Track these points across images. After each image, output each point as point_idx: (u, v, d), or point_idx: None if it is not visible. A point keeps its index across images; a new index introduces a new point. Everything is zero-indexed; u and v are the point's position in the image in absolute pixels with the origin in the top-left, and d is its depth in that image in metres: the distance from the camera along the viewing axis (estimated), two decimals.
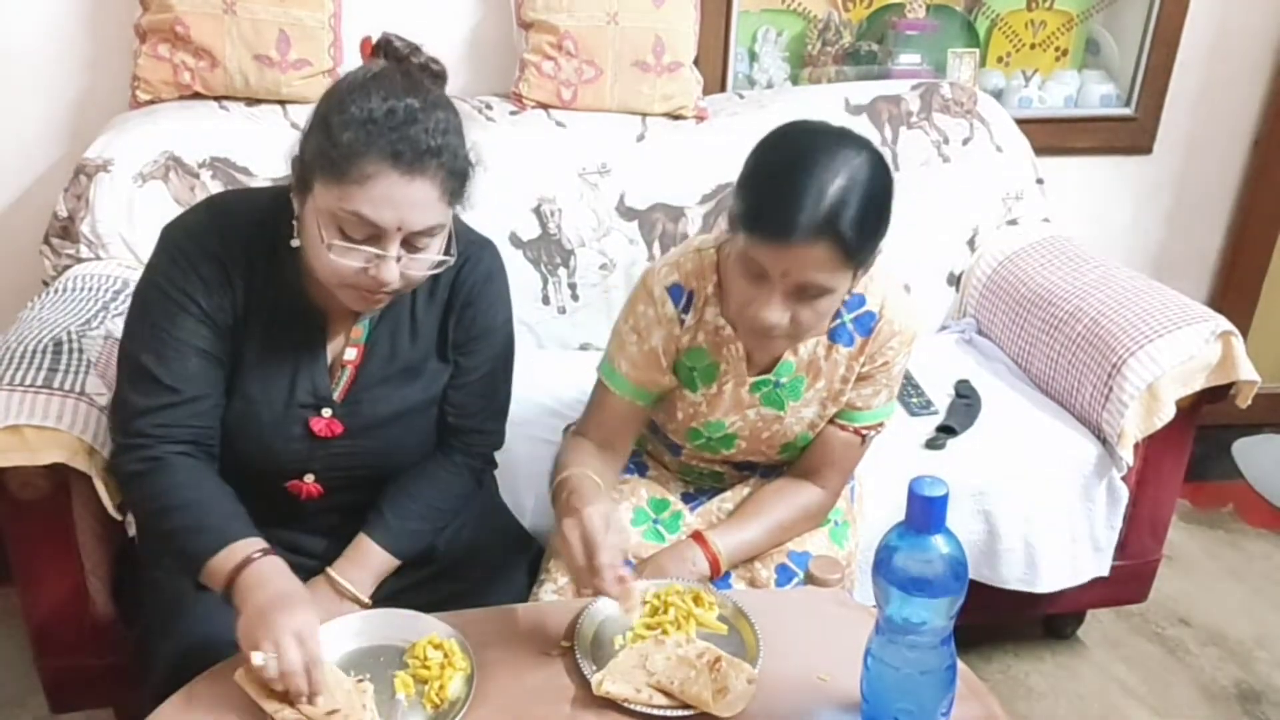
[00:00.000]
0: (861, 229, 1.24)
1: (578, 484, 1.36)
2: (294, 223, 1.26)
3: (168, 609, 1.35)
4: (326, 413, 1.36)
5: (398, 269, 1.20)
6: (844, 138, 1.28)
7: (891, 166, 2.20)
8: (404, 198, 1.17)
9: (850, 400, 1.49)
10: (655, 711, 1.13)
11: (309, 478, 1.39)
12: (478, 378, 1.44)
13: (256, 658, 1.08)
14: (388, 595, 1.40)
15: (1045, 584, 1.94)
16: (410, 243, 1.21)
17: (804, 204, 1.21)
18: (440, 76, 1.26)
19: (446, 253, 1.26)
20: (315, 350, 1.35)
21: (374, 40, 1.25)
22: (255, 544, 1.22)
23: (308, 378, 1.35)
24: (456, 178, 1.22)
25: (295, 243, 1.26)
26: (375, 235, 1.18)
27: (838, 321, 1.44)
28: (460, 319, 1.41)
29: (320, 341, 1.35)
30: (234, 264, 1.28)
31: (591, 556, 1.19)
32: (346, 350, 1.36)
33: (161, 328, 1.27)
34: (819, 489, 1.53)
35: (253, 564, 1.19)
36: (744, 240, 1.27)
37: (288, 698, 1.11)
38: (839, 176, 1.23)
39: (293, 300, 1.32)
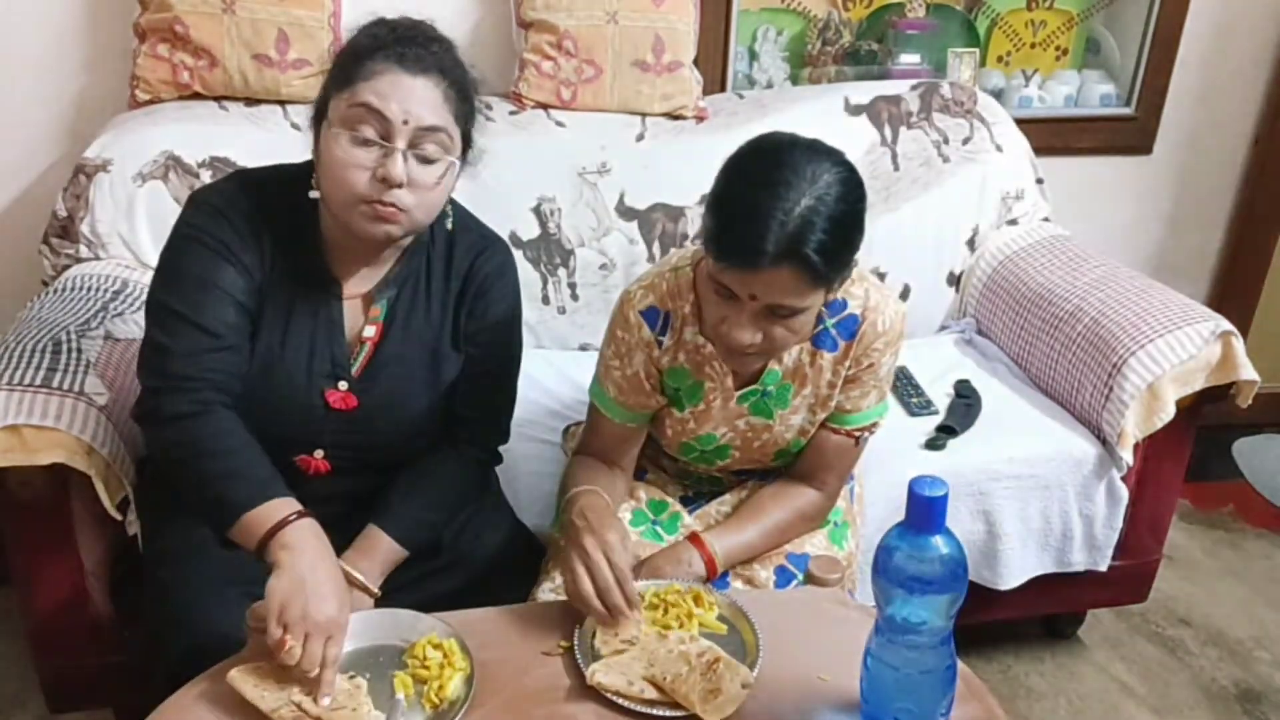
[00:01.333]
0: (827, 252, 1.22)
1: (588, 502, 1.36)
2: (313, 179, 1.31)
3: (171, 608, 1.35)
4: (343, 386, 1.38)
5: (404, 168, 1.24)
6: (812, 153, 1.25)
7: (891, 166, 2.26)
8: (409, 91, 1.24)
9: (840, 404, 1.48)
10: (650, 710, 1.14)
11: (319, 453, 1.40)
12: (486, 369, 1.46)
13: (292, 647, 1.11)
14: (393, 589, 1.40)
15: (1038, 570, 1.95)
16: (417, 146, 1.25)
17: (768, 229, 1.19)
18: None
19: (447, 213, 1.33)
20: (334, 320, 1.38)
21: None
22: (294, 504, 1.25)
23: (326, 346, 1.37)
24: (460, 94, 1.29)
25: (315, 194, 1.30)
26: (384, 134, 1.24)
27: (820, 327, 1.43)
28: (472, 309, 1.43)
29: (337, 311, 1.38)
30: (263, 225, 1.33)
31: (604, 596, 1.22)
32: (366, 328, 1.39)
33: (198, 275, 1.29)
34: (816, 491, 1.53)
35: (290, 525, 1.21)
36: (712, 263, 1.26)
37: (288, 675, 1.12)
38: (804, 198, 1.20)
39: (313, 268, 1.36)
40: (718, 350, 1.41)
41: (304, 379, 1.36)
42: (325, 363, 1.37)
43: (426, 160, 1.26)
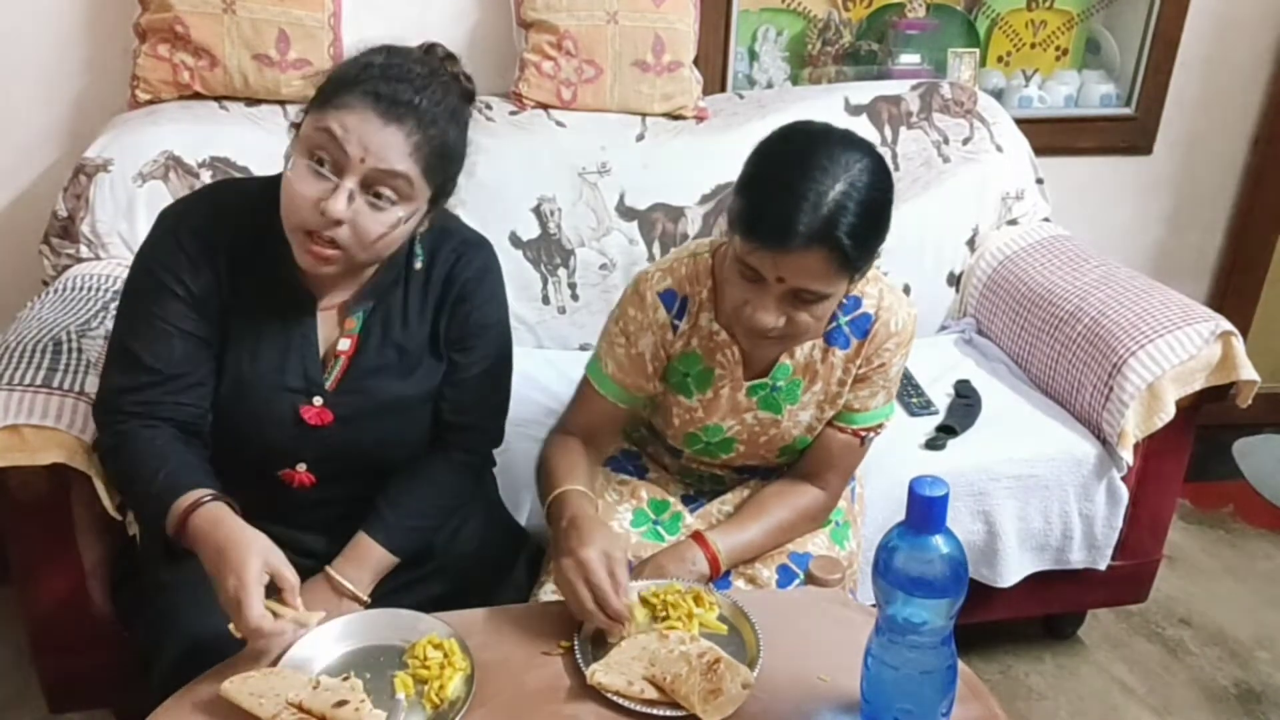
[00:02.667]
0: (858, 237, 1.23)
1: (576, 510, 1.35)
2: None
3: (169, 609, 1.35)
4: (318, 401, 1.36)
5: (346, 204, 1.20)
6: (846, 142, 1.27)
7: (891, 167, 2.25)
8: (373, 133, 1.19)
9: (848, 402, 1.49)
10: (649, 710, 1.14)
11: (301, 466, 1.39)
12: (474, 375, 1.44)
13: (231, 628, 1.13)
14: (387, 592, 1.40)
15: (1037, 566, 1.96)
16: (371, 187, 1.21)
17: (801, 210, 1.21)
18: (468, 95, 1.30)
19: (417, 253, 1.30)
20: (306, 333, 1.36)
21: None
22: (204, 491, 1.23)
23: (298, 361, 1.35)
24: (437, 151, 1.23)
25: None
26: (338, 167, 1.20)
27: (834, 324, 1.44)
28: (454, 316, 1.41)
29: (310, 325, 1.36)
30: (220, 242, 1.30)
31: (604, 605, 1.21)
32: (340, 341, 1.37)
33: (145, 309, 1.29)
34: (819, 490, 1.53)
35: (200, 508, 1.21)
36: (740, 243, 1.26)
37: (282, 680, 1.12)
38: (838, 183, 1.22)
39: (282, 282, 1.33)
40: (737, 333, 1.40)
41: (276, 395, 1.34)
42: (298, 379, 1.35)
43: (377, 204, 1.22)
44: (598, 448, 1.53)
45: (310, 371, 1.36)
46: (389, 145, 1.20)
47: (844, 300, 1.40)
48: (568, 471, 1.43)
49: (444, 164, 1.26)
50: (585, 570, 1.23)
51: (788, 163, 1.25)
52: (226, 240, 1.30)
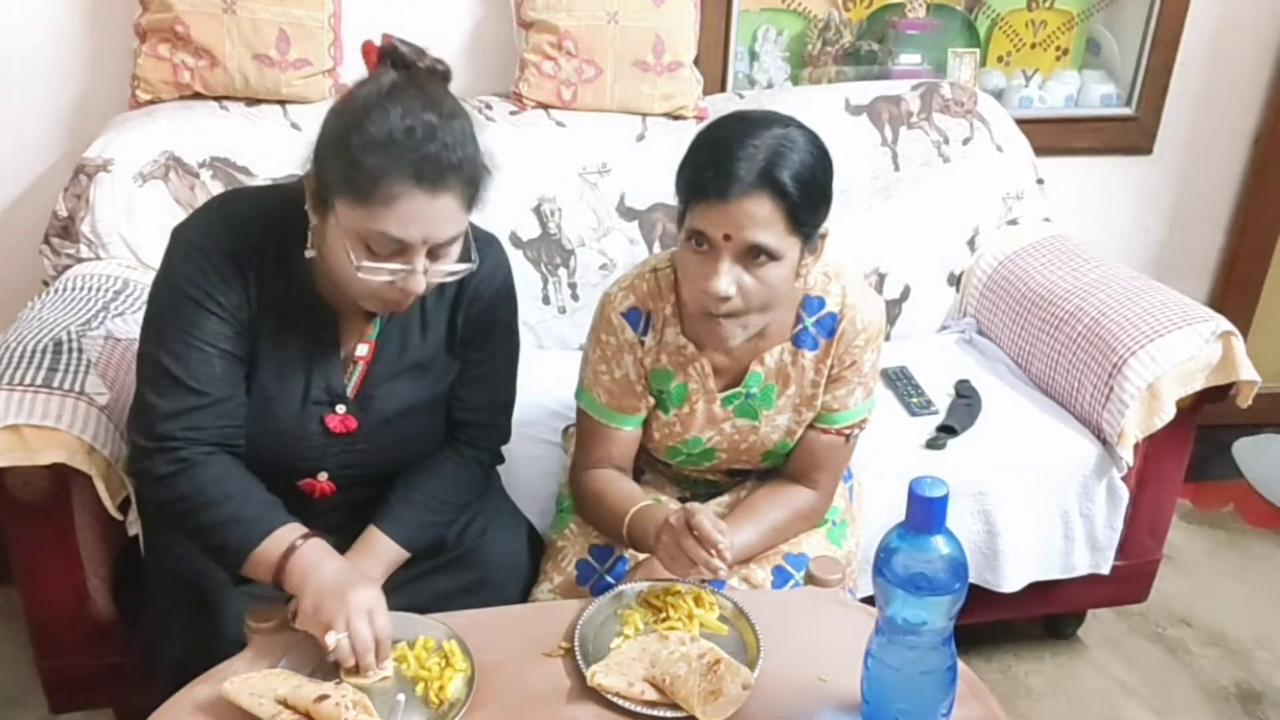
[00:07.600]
0: (800, 184, 1.25)
1: (660, 515, 1.36)
2: (309, 233, 1.26)
3: (171, 608, 1.36)
4: (341, 409, 1.37)
5: (425, 279, 1.22)
6: (780, 117, 1.31)
7: (891, 166, 2.26)
8: (428, 214, 1.18)
9: (826, 404, 1.49)
10: (649, 711, 1.14)
11: (322, 476, 1.40)
12: (485, 372, 1.45)
13: (330, 638, 1.13)
14: (396, 585, 1.39)
15: (1041, 574, 1.96)
16: (434, 252, 1.22)
17: (739, 160, 1.24)
18: (446, 77, 1.26)
19: (465, 257, 1.27)
20: (329, 347, 1.36)
21: (377, 45, 1.23)
22: (297, 529, 1.26)
23: (322, 375, 1.36)
24: (474, 186, 1.23)
25: (310, 253, 1.27)
26: (401, 250, 1.19)
27: (800, 327, 1.44)
28: (469, 315, 1.42)
29: (333, 339, 1.36)
30: (247, 262, 1.29)
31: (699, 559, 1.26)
32: (359, 347, 1.38)
33: (182, 329, 1.27)
34: (811, 491, 1.53)
35: (298, 549, 1.23)
36: (688, 215, 1.29)
37: (281, 681, 1.12)
38: (773, 138, 1.26)
39: (305, 299, 1.33)
40: (701, 329, 1.38)
41: (301, 408, 1.35)
42: (321, 390, 1.36)
43: (442, 258, 1.23)
44: (625, 473, 1.54)
45: (332, 381, 1.36)
46: (446, 219, 1.19)
47: (806, 301, 1.42)
48: (629, 496, 1.45)
49: (478, 188, 1.24)
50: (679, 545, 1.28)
51: (722, 133, 1.30)
52: (251, 259, 1.29)
